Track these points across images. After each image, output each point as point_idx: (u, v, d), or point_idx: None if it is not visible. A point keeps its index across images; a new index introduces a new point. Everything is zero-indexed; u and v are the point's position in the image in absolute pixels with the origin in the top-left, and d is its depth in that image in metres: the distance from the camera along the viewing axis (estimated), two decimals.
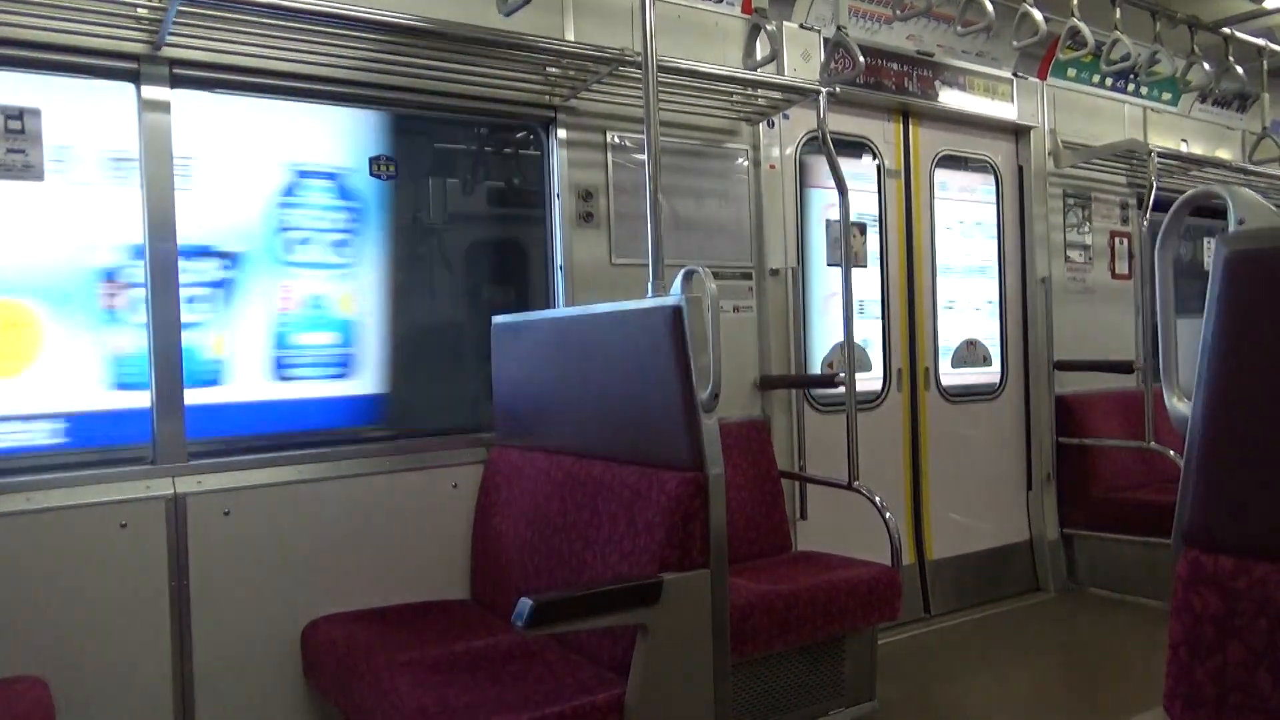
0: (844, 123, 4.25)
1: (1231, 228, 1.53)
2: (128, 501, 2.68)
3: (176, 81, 2.84)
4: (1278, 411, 1.42)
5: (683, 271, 2.43)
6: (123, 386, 2.87)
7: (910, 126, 4.60)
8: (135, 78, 2.78)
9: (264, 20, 2.72)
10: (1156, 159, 4.84)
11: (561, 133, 3.50)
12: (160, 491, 2.73)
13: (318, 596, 2.91)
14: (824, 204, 4.25)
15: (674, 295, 2.38)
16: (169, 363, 2.82)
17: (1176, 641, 1.50)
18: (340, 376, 3.29)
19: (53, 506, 2.58)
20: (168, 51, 2.77)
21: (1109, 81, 5.22)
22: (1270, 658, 1.39)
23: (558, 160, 3.49)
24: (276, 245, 3.15)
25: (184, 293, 2.87)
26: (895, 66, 4.35)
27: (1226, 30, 4.85)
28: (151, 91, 2.80)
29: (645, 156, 2.66)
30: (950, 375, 4.76)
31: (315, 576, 2.93)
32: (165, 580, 2.70)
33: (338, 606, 2.93)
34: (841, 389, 3.73)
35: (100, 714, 2.59)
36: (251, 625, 2.83)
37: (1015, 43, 4.21)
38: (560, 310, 3.46)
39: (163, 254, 2.81)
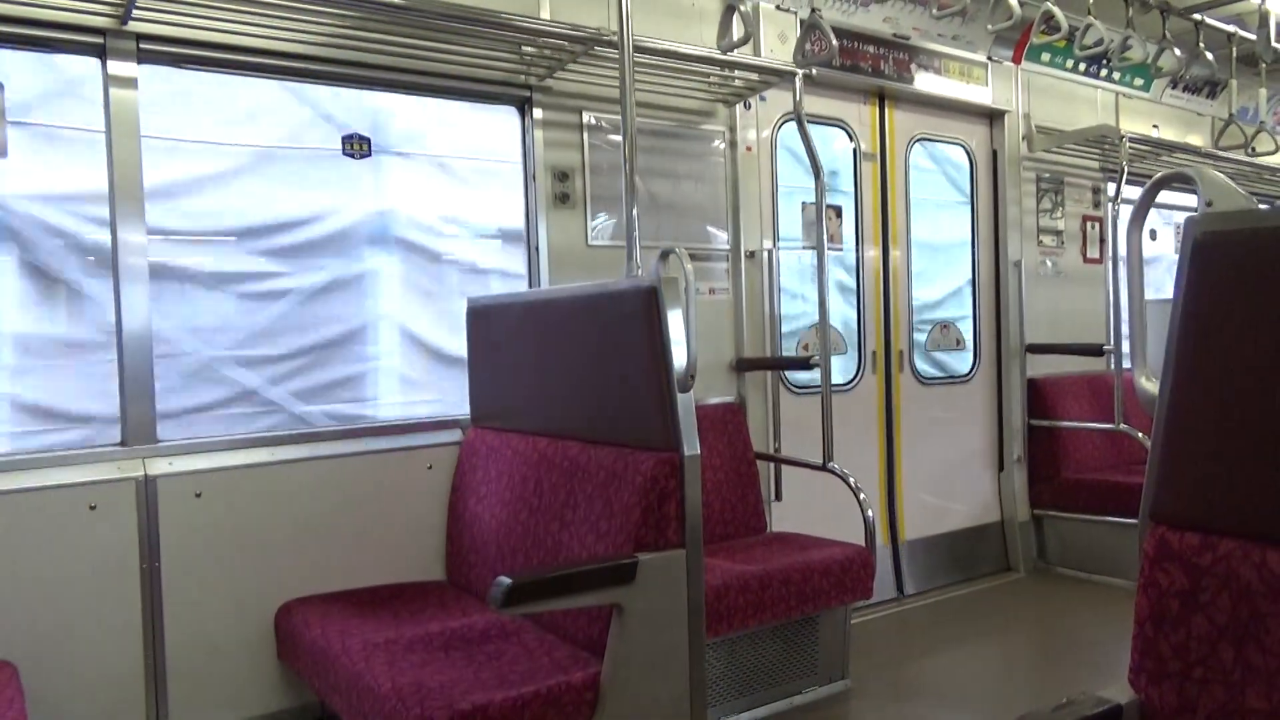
0: (820, 105, 4.25)
1: (1200, 210, 1.55)
2: (97, 483, 2.64)
3: (144, 57, 2.79)
4: (1244, 391, 1.44)
5: (659, 252, 2.42)
6: None
7: (886, 109, 4.61)
8: (101, 52, 2.73)
9: None
10: (1128, 144, 4.88)
11: (538, 112, 3.47)
12: (131, 473, 2.70)
13: (291, 578, 2.90)
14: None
15: (650, 276, 2.38)
16: (138, 342, 2.78)
17: (1142, 617, 1.53)
18: None
19: (20, 488, 2.54)
20: (135, 26, 2.71)
21: (1082, 66, 5.25)
22: (1232, 632, 1.41)
23: (534, 141, 3.47)
24: None
25: None
26: (871, 49, 4.35)
27: (1197, 16, 4.88)
28: (118, 67, 2.75)
29: (621, 137, 2.65)
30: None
31: (289, 558, 2.91)
32: (136, 563, 2.68)
33: (312, 588, 2.92)
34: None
35: (71, 698, 2.57)
36: (224, 607, 2.81)
37: (990, 27, 4.21)
38: (536, 291, 3.44)
39: (130, 231, 2.76)
